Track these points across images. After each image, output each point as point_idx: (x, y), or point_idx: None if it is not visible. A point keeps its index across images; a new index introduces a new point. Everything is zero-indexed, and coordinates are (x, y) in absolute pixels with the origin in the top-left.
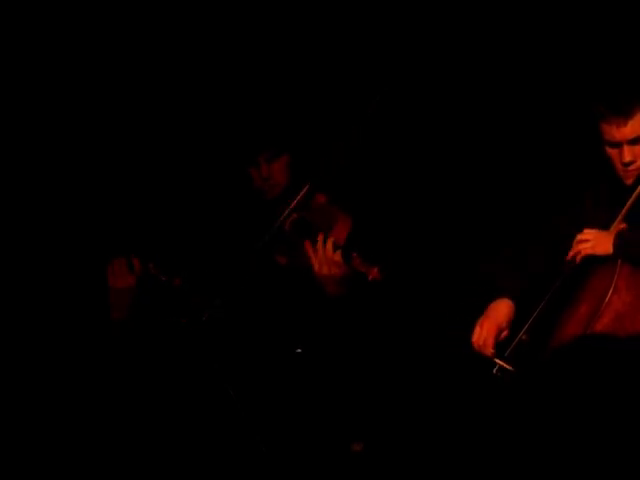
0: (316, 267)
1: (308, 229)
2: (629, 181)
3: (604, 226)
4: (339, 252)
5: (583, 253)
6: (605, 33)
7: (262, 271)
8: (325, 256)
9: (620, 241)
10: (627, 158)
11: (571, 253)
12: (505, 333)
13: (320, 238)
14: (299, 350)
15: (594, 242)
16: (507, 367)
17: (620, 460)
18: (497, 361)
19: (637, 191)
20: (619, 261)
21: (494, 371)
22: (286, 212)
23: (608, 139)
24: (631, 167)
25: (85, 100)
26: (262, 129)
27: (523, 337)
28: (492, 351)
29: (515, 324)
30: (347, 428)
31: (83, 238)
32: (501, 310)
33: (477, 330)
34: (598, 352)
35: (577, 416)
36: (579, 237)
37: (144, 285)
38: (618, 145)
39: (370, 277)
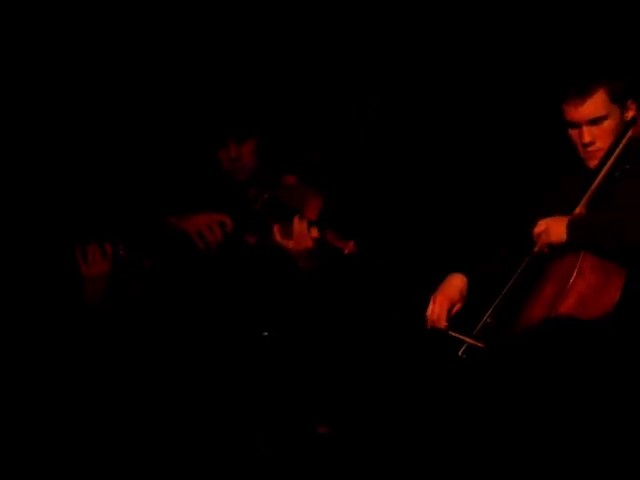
0: (290, 244)
1: (280, 207)
2: (591, 163)
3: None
4: (314, 228)
5: (540, 244)
6: (562, 16)
7: (232, 251)
8: (300, 232)
9: (572, 227)
10: (586, 139)
11: (536, 248)
12: (458, 306)
13: (296, 216)
14: (266, 333)
15: (548, 231)
16: (461, 337)
17: (590, 440)
18: (452, 334)
19: (599, 177)
20: None
21: (459, 353)
22: (256, 191)
23: (569, 120)
24: (590, 148)
25: (51, 87)
26: (232, 111)
27: (488, 320)
28: (445, 324)
29: (481, 306)
30: (315, 410)
31: (53, 226)
32: (454, 284)
33: (431, 304)
34: (562, 333)
35: (546, 397)
36: (535, 230)
37: (117, 268)
38: (578, 126)
39: (346, 251)
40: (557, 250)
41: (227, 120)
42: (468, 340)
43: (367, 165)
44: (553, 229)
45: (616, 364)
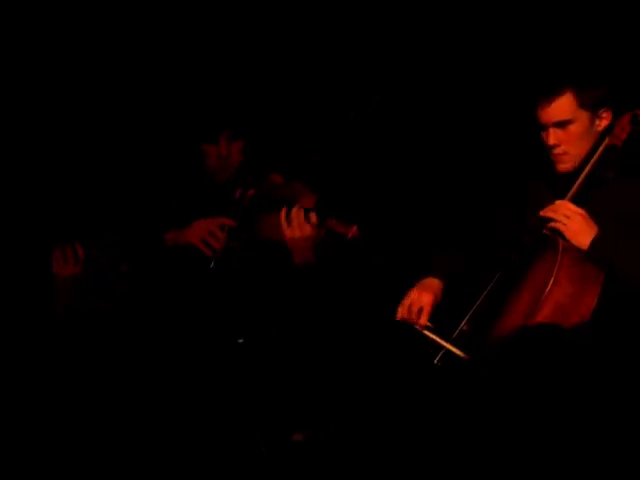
0: (288, 232)
1: (269, 200)
2: (560, 166)
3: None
4: (313, 214)
5: (554, 225)
6: (532, 18)
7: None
8: (298, 219)
9: (599, 244)
10: (551, 141)
11: (547, 213)
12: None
13: (292, 204)
14: (241, 340)
15: (574, 227)
16: (438, 341)
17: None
18: (428, 334)
19: (578, 181)
20: (560, 252)
21: (435, 361)
22: (241, 191)
23: (538, 122)
24: (556, 151)
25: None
26: (229, 108)
27: (464, 327)
28: (426, 322)
29: (457, 314)
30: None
31: (26, 227)
32: (435, 284)
33: (411, 296)
34: (539, 341)
35: (521, 404)
36: (565, 205)
37: (91, 272)
38: (545, 127)
39: (350, 235)
40: (533, 250)
41: (223, 116)
42: (447, 345)
43: (365, 163)
44: (581, 229)
45: (594, 371)
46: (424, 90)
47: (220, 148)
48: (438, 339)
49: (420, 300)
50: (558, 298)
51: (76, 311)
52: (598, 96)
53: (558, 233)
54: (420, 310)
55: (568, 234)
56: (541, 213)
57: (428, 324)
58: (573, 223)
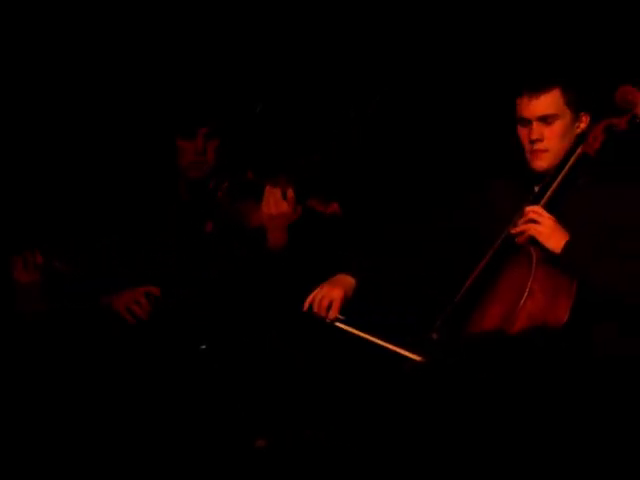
0: (266, 209)
1: (245, 187)
2: (536, 164)
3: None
4: (291, 190)
5: (528, 232)
6: (519, 12)
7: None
8: (274, 195)
9: (571, 249)
10: (534, 135)
11: (520, 227)
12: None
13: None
14: (204, 347)
15: (546, 230)
16: (348, 330)
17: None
18: (340, 326)
19: (552, 187)
20: (534, 263)
21: (406, 367)
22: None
23: (520, 116)
24: (537, 146)
25: None
26: (211, 105)
27: (434, 336)
28: (336, 315)
29: (426, 321)
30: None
31: None
32: (347, 281)
33: (322, 290)
34: (510, 353)
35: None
36: (535, 210)
37: (52, 278)
38: (528, 122)
39: (329, 211)
40: (504, 257)
41: (203, 112)
42: (363, 335)
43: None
44: (554, 232)
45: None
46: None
47: (197, 144)
48: (352, 330)
49: (331, 294)
50: (532, 310)
51: (46, 315)
52: (581, 96)
53: (531, 239)
54: (330, 304)
55: (541, 237)
56: (514, 223)
57: (339, 317)
58: (544, 227)
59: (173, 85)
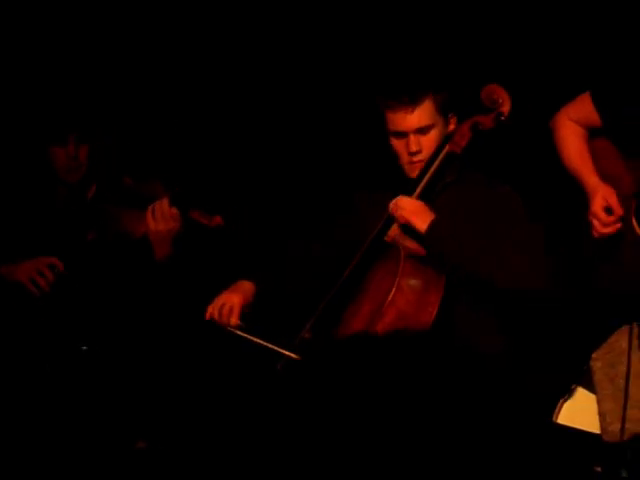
0: (152, 225)
1: (127, 195)
2: (414, 174)
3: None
4: (175, 206)
5: (400, 220)
6: (388, 24)
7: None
8: (162, 211)
9: (436, 226)
10: (414, 147)
11: (389, 212)
12: (247, 309)
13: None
14: (84, 347)
15: (413, 210)
16: (245, 336)
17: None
18: (240, 333)
19: (420, 186)
20: (402, 259)
21: (278, 367)
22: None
23: (394, 129)
24: (416, 158)
25: None
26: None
27: (306, 335)
28: (237, 321)
29: (300, 320)
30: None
31: None
32: (247, 287)
33: (222, 297)
34: (380, 348)
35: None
36: (398, 199)
37: None
38: (404, 135)
39: (213, 224)
40: (374, 256)
41: (74, 117)
42: (264, 343)
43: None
44: (420, 212)
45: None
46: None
47: (68, 150)
48: (253, 338)
49: (230, 300)
50: (400, 306)
51: None
52: (448, 100)
53: (399, 234)
54: (230, 310)
55: (408, 217)
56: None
57: (240, 324)
58: (411, 207)
59: (43, 90)
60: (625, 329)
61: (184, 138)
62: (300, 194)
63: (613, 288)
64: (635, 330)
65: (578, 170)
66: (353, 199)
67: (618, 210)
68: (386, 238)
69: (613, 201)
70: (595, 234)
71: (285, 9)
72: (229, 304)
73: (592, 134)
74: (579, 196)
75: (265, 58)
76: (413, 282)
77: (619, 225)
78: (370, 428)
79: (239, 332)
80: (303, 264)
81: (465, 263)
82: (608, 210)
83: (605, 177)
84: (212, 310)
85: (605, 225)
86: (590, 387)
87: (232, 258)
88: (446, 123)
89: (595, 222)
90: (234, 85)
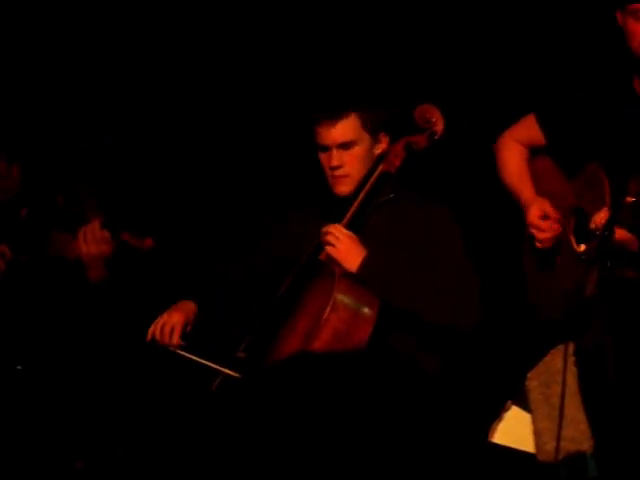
0: (84, 249)
1: (60, 217)
2: (339, 189)
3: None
4: (106, 228)
5: (326, 251)
6: (323, 40)
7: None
8: (93, 234)
9: (368, 266)
10: (334, 162)
11: (321, 237)
12: (189, 328)
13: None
14: (19, 367)
15: (343, 249)
16: (187, 356)
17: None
18: (182, 353)
19: (353, 207)
20: (337, 278)
21: (213, 386)
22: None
23: (320, 143)
24: (337, 172)
25: None
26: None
27: (240, 354)
28: (179, 341)
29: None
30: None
31: None
32: (189, 307)
33: (163, 317)
34: (315, 368)
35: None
36: (330, 230)
37: None
38: (328, 149)
39: (145, 246)
40: (311, 272)
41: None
42: (205, 362)
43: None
44: (350, 251)
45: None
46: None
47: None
48: (194, 358)
49: (171, 320)
50: (336, 324)
51: None
52: (378, 118)
53: (329, 256)
54: (172, 330)
55: (337, 256)
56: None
57: (181, 343)
58: (342, 245)
59: None
60: (560, 348)
61: (114, 160)
62: (234, 210)
63: (549, 305)
64: (570, 349)
65: (516, 187)
66: (288, 215)
67: (554, 214)
68: (321, 256)
69: (547, 208)
70: (537, 244)
71: (219, 21)
72: (170, 324)
73: (535, 154)
74: (518, 214)
75: (195, 72)
76: (348, 301)
77: (557, 227)
78: (306, 446)
79: (180, 352)
80: (243, 282)
81: (396, 299)
82: (544, 217)
83: (545, 194)
84: (153, 330)
85: (543, 230)
86: (525, 406)
87: (168, 279)
88: (374, 142)
89: (534, 231)
90: (156, 97)
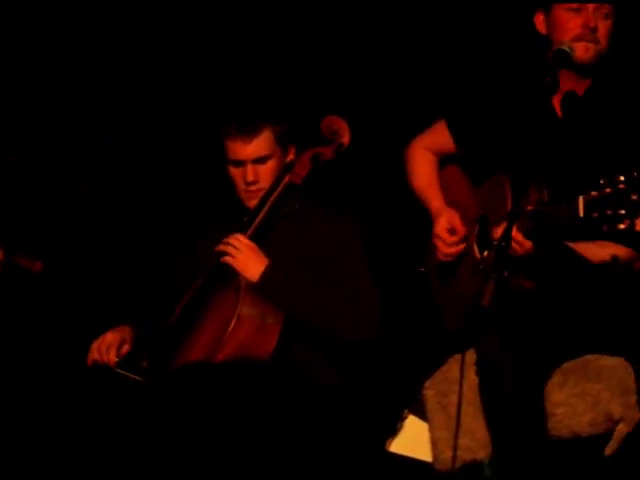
0: None
1: None
2: (251, 203)
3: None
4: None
5: (226, 259)
6: (230, 54)
7: None
8: None
9: (268, 276)
10: (250, 177)
11: (220, 247)
12: (126, 347)
13: None
14: None
15: (242, 258)
16: (131, 376)
17: None
18: (118, 371)
19: (258, 218)
20: (242, 290)
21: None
22: None
23: (233, 158)
24: (253, 187)
25: None
26: None
27: (144, 364)
28: (115, 359)
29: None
30: None
31: None
32: (123, 328)
33: (98, 339)
34: (220, 379)
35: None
36: (231, 241)
37: None
38: (242, 164)
39: (35, 268)
40: (215, 282)
41: None
42: (131, 376)
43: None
44: (250, 261)
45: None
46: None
47: None
48: (127, 374)
49: (104, 340)
50: (240, 337)
51: None
52: (288, 132)
53: (229, 267)
54: (108, 348)
55: (237, 266)
56: (216, 248)
57: (116, 359)
58: (242, 256)
59: None
60: (457, 357)
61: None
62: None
63: (450, 312)
64: (468, 358)
65: (424, 195)
66: (197, 230)
67: (461, 230)
68: (228, 269)
69: (456, 222)
70: (440, 255)
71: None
72: (105, 343)
73: (443, 163)
74: (424, 221)
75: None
76: (253, 313)
77: (462, 246)
78: (206, 459)
79: (118, 370)
80: (167, 295)
81: (296, 310)
82: (452, 231)
83: (452, 203)
84: (92, 350)
85: (449, 245)
86: (422, 416)
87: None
88: (285, 154)
89: (439, 243)
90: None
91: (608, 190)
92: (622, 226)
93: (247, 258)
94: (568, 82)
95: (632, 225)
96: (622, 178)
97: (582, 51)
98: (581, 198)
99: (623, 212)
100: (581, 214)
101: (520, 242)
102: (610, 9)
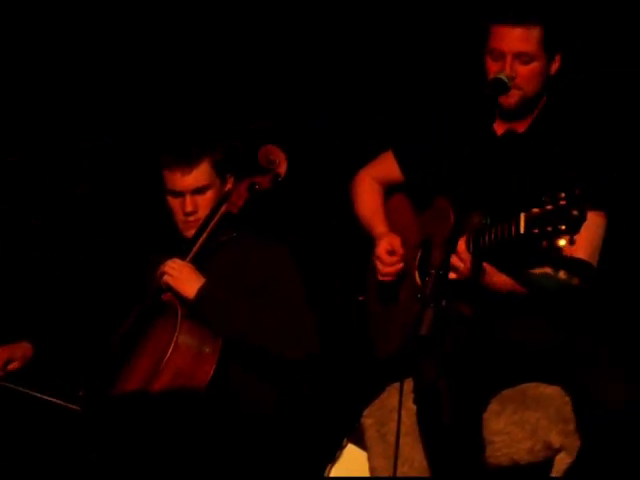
0: None
1: None
2: (189, 233)
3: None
4: None
5: (164, 279)
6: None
7: None
8: None
9: (204, 293)
10: (189, 208)
11: (160, 269)
12: (15, 364)
13: None
14: None
15: (179, 276)
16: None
17: None
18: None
19: (195, 247)
20: (179, 318)
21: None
22: None
23: (171, 188)
24: (191, 217)
25: None
26: None
27: (80, 392)
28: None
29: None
30: None
31: None
32: (21, 345)
33: None
34: (157, 408)
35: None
36: (168, 262)
37: None
38: (181, 194)
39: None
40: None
41: None
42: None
43: None
44: (186, 279)
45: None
46: None
47: None
48: (14, 387)
49: None
50: (178, 364)
51: None
52: (226, 162)
53: (168, 287)
54: None
55: (175, 283)
56: (155, 274)
57: (2, 375)
58: (178, 273)
59: None
60: (396, 386)
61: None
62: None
63: (388, 340)
64: (406, 387)
65: (369, 223)
66: (137, 260)
67: (399, 250)
68: (164, 297)
69: (396, 244)
70: (379, 276)
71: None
72: None
73: (389, 192)
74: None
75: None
76: (190, 341)
77: (400, 265)
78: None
79: (6, 384)
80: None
81: (232, 331)
82: (391, 252)
83: (396, 231)
84: None
85: (387, 265)
86: (361, 444)
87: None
88: (223, 183)
89: (378, 264)
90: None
91: (549, 207)
92: (562, 242)
93: (184, 275)
94: (505, 124)
95: (572, 241)
96: (563, 195)
97: (502, 98)
98: (523, 215)
99: (563, 227)
100: (522, 230)
101: (462, 257)
102: (531, 54)
